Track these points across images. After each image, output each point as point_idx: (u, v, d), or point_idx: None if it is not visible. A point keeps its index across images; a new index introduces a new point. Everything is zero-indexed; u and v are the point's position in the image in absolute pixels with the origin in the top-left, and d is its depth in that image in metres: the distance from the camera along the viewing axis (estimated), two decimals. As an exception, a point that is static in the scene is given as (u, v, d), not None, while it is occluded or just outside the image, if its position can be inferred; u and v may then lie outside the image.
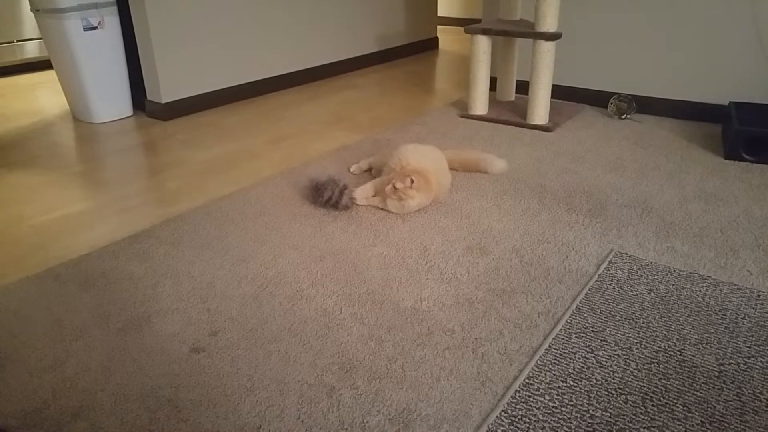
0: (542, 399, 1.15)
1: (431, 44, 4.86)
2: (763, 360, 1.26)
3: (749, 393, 1.16)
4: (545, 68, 2.60)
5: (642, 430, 1.08)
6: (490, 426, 1.09)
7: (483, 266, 1.64)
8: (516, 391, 1.17)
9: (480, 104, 2.90)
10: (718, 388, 1.18)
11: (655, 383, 1.20)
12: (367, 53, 4.21)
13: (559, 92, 3.11)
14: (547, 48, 2.56)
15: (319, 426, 1.11)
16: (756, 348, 1.29)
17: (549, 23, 2.55)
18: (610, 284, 1.54)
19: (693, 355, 1.27)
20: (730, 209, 1.95)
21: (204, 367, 1.27)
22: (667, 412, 1.12)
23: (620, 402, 1.15)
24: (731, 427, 1.08)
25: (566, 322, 1.39)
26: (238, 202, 2.06)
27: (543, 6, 2.53)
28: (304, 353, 1.31)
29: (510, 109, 2.98)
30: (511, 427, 1.09)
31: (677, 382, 1.20)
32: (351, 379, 1.23)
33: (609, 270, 1.60)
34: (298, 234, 1.83)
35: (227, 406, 1.16)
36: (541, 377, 1.21)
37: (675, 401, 1.15)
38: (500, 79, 3.11)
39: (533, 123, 2.74)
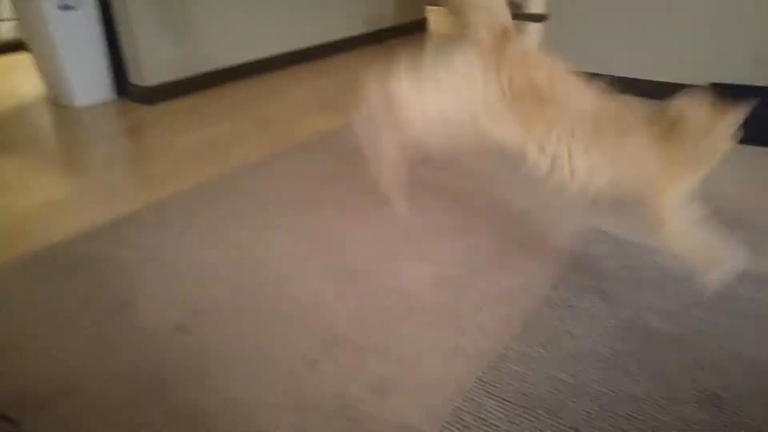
0: (515, 367, 1.21)
1: (421, 25, 4.84)
2: (721, 326, 1.32)
3: (704, 356, 1.23)
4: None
5: (602, 389, 1.14)
6: (465, 392, 1.14)
7: (465, 245, 1.69)
8: (491, 360, 1.22)
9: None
10: (669, 349, 1.26)
11: (618, 348, 1.26)
12: (356, 35, 4.20)
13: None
14: (533, 30, 2.59)
15: (302, 396, 1.16)
16: (709, 312, 1.36)
17: (536, 4, 2.57)
18: (585, 260, 1.59)
19: (651, 320, 1.34)
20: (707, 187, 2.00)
21: (188, 345, 1.31)
22: (626, 373, 1.19)
23: (586, 366, 1.21)
24: (682, 384, 1.15)
25: (541, 296, 1.44)
26: (223, 185, 2.08)
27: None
28: (287, 331, 1.35)
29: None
30: (485, 393, 1.14)
31: (636, 347, 1.26)
32: (334, 354, 1.27)
33: (585, 247, 1.65)
34: (284, 216, 1.86)
35: (211, 382, 1.20)
36: (514, 347, 1.26)
37: (633, 363, 1.21)
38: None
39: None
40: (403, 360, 1.25)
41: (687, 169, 1.18)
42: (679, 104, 1.18)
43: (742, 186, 2.03)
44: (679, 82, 2.81)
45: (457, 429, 1.08)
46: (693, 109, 1.16)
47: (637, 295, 1.44)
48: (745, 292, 1.44)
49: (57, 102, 3.08)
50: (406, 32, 4.67)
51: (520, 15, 2.59)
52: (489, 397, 1.13)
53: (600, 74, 2.99)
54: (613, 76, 2.89)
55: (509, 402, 1.13)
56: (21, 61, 4.09)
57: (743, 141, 2.32)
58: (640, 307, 1.40)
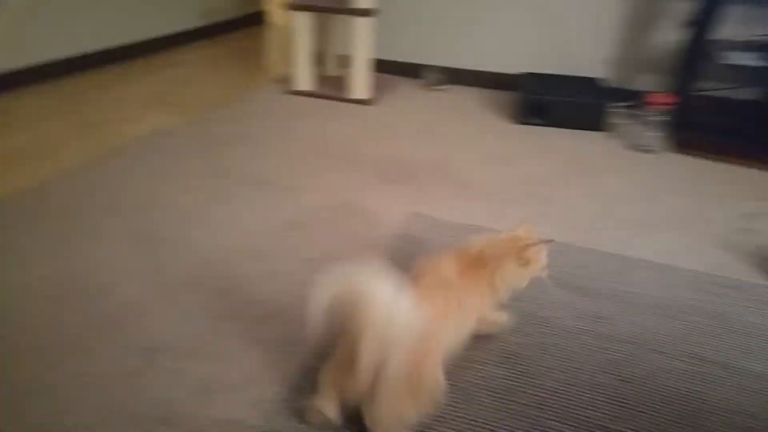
0: (338, 352, 1.27)
1: (259, 18, 4.77)
2: (520, 293, 1.50)
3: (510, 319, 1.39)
4: (362, 43, 2.72)
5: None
6: (290, 380, 1.19)
7: (298, 239, 1.72)
8: (317, 348, 1.28)
9: (304, 80, 2.95)
10: None
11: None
12: (191, 28, 4.03)
13: (383, 66, 3.26)
14: (361, 23, 2.67)
15: (123, 408, 1.13)
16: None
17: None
18: (407, 243, 1.70)
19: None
20: (514, 171, 2.23)
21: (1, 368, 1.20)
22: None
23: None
24: (490, 348, 1.30)
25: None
26: (33, 199, 1.92)
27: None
28: (105, 344, 1.30)
29: (335, 84, 3.07)
30: (307, 380, 1.19)
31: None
32: (155, 360, 1.25)
33: (408, 231, 1.77)
34: (110, 222, 1.77)
35: (17, 408, 1.12)
36: (338, 333, 1.33)
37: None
38: (326, 54, 3.18)
39: (354, 97, 2.86)
40: (229, 358, 1.27)
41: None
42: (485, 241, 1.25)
43: (545, 167, 2.29)
44: (500, 71, 3.08)
45: (282, 418, 1.12)
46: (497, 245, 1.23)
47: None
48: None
49: None
50: (244, 25, 4.57)
51: (347, 10, 2.67)
52: (312, 384, 1.19)
53: (429, 65, 3.18)
54: (441, 67, 3.12)
55: (332, 385, 1.19)
56: None
57: (546, 124, 2.63)
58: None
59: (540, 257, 1.24)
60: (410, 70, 3.26)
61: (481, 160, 2.29)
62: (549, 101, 2.62)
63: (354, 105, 2.84)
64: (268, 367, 1.24)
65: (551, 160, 2.31)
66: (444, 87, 3.10)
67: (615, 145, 2.48)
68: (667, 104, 2.34)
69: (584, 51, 2.87)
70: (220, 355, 1.28)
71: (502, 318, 1.36)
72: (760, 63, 2.21)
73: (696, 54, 2.33)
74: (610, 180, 2.16)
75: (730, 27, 2.46)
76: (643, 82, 2.79)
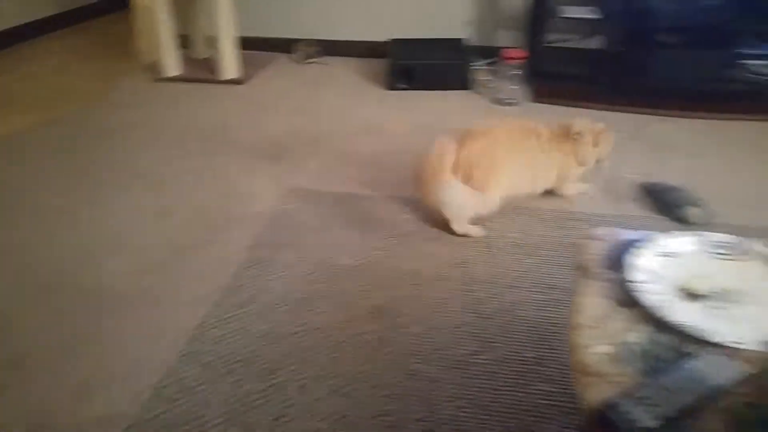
0: (215, 332, 1.31)
1: (123, 1, 4.49)
2: (389, 252, 1.60)
3: (373, 279, 1.49)
4: (226, 22, 2.67)
5: (290, 329, 1.33)
6: (168, 368, 1.21)
7: (169, 227, 1.71)
8: (192, 333, 1.31)
9: (172, 64, 2.86)
10: (352, 279, 1.49)
11: (308, 290, 1.44)
12: (46, 17, 3.73)
13: (254, 43, 3.20)
14: (223, 1, 2.61)
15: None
16: (384, 242, 1.63)
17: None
18: (282, 218, 1.75)
19: (338, 259, 1.56)
20: (385, 137, 2.31)
21: None
22: (311, 310, 1.39)
23: (279, 314, 1.36)
24: (358, 305, 1.38)
25: (242, 259, 1.55)
26: None
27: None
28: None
29: (204, 65, 2.99)
30: (185, 364, 1.22)
31: (324, 285, 1.47)
32: (25, 368, 1.23)
33: (283, 206, 1.81)
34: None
35: None
36: (214, 314, 1.36)
37: (319, 299, 1.41)
38: (192, 35, 3.08)
39: (224, 78, 2.81)
40: (105, 354, 1.27)
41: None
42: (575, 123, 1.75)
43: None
44: (372, 40, 3.14)
45: (163, 404, 1.15)
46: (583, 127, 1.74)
47: (323, 238, 1.65)
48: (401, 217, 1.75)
49: None
50: (108, 10, 4.28)
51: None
52: (190, 367, 1.22)
53: (301, 39, 3.17)
54: (314, 40, 3.12)
55: (210, 366, 1.23)
56: None
57: (416, 88, 2.72)
58: (329, 251, 1.60)
59: (607, 144, 1.77)
60: (282, 45, 3.23)
61: (354, 129, 2.35)
62: (416, 65, 2.72)
63: (225, 86, 2.80)
64: (147, 359, 1.26)
65: (420, 121, 2.42)
66: (317, 60, 3.12)
67: (480, 101, 2.63)
68: (520, 58, 2.50)
69: (448, 14, 2.98)
70: (96, 352, 1.27)
71: (581, 187, 1.86)
72: (593, 15, 2.42)
73: (540, 10, 2.50)
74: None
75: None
76: (501, 39, 2.95)
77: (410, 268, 1.54)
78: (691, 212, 1.74)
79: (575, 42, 2.79)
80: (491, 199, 1.66)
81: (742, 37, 2.41)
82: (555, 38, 2.71)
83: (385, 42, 3.06)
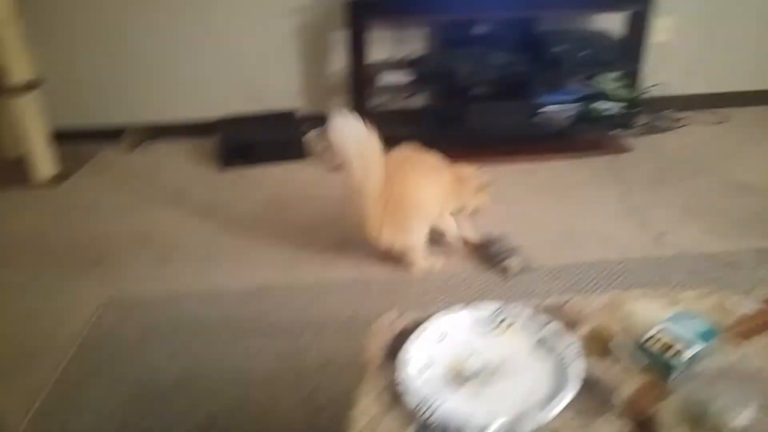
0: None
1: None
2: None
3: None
4: (35, 119, 2.48)
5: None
6: None
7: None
8: None
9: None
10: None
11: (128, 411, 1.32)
12: None
13: (73, 135, 2.98)
14: (27, 99, 2.43)
15: None
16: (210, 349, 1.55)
17: (20, 72, 2.40)
18: (96, 337, 1.59)
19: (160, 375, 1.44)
20: (218, 219, 2.24)
21: None
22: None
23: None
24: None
25: (55, 393, 1.38)
26: None
27: (8, 55, 2.34)
28: None
29: (14, 167, 2.72)
30: None
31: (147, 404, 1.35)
32: None
33: (101, 320, 1.65)
34: None
35: None
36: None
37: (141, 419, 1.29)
38: (1, 134, 2.81)
39: (38, 178, 2.58)
40: None
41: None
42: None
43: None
44: (202, 118, 3.06)
45: None
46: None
47: (147, 357, 1.52)
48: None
49: None
50: None
51: (4, 89, 2.40)
52: None
53: (127, 124, 3.02)
54: (140, 124, 2.98)
55: None
56: None
57: (250, 164, 2.70)
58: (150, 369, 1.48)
59: (485, 197, 1.96)
60: (107, 134, 3.06)
61: (186, 216, 2.25)
62: (248, 142, 2.70)
63: (39, 189, 2.56)
64: None
65: (255, 201, 2.38)
66: (145, 145, 2.98)
67: (317, 170, 2.65)
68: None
69: (276, 85, 3.01)
70: None
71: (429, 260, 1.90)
72: (407, 78, 2.56)
73: (358, 77, 2.61)
74: (309, 210, 2.29)
75: (383, 49, 2.82)
76: (333, 106, 3.03)
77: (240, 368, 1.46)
78: (511, 263, 1.85)
79: (400, 103, 2.94)
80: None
81: (537, 87, 2.68)
82: (380, 102, 2.84)
83: (213, 119, 3.00)
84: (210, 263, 1.94)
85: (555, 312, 0.95)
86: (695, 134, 2.79)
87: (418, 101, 2.97)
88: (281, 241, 2.06)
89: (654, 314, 0.87)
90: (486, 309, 0.95)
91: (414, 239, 1.80)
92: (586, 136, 2.78)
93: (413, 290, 1.79)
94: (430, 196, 1.80)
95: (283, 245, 2.03)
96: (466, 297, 1.75)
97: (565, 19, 2.84)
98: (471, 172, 1.95)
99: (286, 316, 1.65)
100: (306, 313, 1.67)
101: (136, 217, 2.28)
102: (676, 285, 1.75)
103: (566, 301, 0.99)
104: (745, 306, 0.95)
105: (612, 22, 2.77)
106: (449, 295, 1.75)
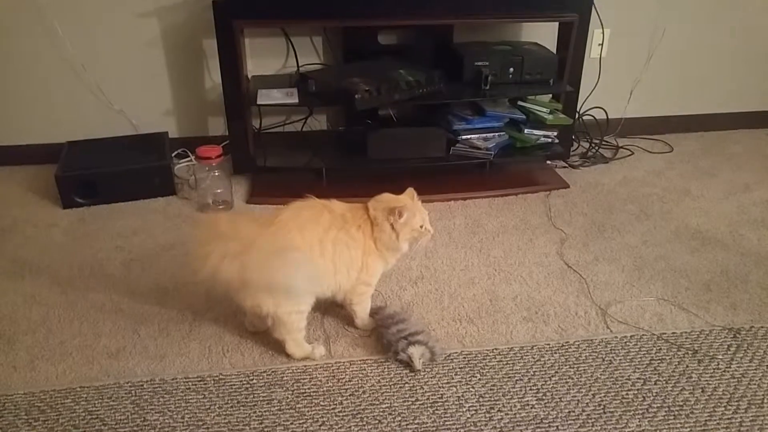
0: None
1: None
2: None
3: None
4: None
5: None
6: None
7: None
8: None
9: None
10: None
11: None
12: None
13: None
14: None
15: None
16: None
17: None
18: None
19: None
20: (50, 282, 1.63)
21: None
22: None
23: None
24: None
25: None
26: None
27: None
28: None
29: None
30: None
31: None
32: None
33: None
34: None
35: None
36: None
37: None
38: None
39: None
40: None
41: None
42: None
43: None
44: (46, 142, 2.43)
45: None
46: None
47: None
48: None
49: None
50: None
51: None
52: None
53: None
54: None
55: None
56: None
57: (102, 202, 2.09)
58: None
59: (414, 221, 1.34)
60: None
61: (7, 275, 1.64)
62: (99, 173, 2.08)
63: None
64: None
65: (100, 249, 1.79)
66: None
67: (184, 208, 2.08)
68: (216, 156, 2.01)
69: (140, 108, 2.41)
70: None
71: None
72: (290, 99, 2.03)
73: (233, 93, 2.07)
74: (163, 266, 1.73)
75: (271, 61, 2.29)
76: (212, 129, 2.46)
77: None
78: (414, 353, 1.34)
79: (290, 126, 2.41)
80: None
81: (456, 110, 2.21)
82: (267, 124, 2.29)
83: (55, 144, 2.36)
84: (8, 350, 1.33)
85: None
86: (639, 166, 2.40)
87: (315, 124, 2.45)
88: (118, 314, 1.48)
89: None
90: None
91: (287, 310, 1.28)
92: (514, 169, 2.33)
93: (274, 396, 1.25)
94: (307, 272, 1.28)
95: (119, 319, 1.46)
96: (347, 411, 1.23)
97: (489, 30, 2.39)
98: (394, 202, 1.37)
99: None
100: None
101: None
102: (630, 387, 1.30)
103: None
104: None
105: (544, 35, 2.35)
106: (325, 406, 1.22)
